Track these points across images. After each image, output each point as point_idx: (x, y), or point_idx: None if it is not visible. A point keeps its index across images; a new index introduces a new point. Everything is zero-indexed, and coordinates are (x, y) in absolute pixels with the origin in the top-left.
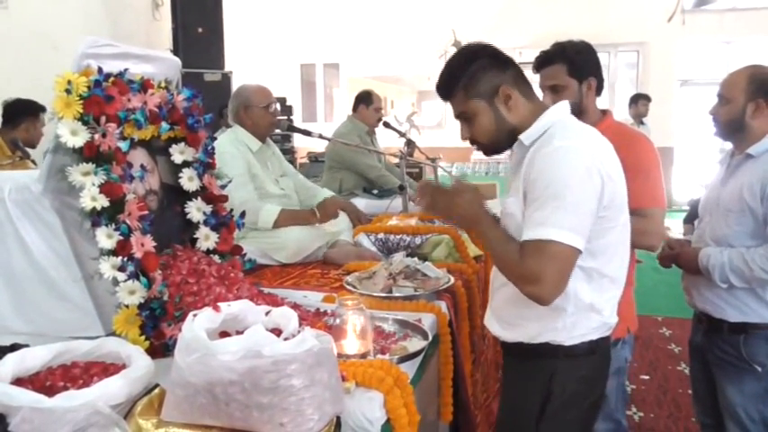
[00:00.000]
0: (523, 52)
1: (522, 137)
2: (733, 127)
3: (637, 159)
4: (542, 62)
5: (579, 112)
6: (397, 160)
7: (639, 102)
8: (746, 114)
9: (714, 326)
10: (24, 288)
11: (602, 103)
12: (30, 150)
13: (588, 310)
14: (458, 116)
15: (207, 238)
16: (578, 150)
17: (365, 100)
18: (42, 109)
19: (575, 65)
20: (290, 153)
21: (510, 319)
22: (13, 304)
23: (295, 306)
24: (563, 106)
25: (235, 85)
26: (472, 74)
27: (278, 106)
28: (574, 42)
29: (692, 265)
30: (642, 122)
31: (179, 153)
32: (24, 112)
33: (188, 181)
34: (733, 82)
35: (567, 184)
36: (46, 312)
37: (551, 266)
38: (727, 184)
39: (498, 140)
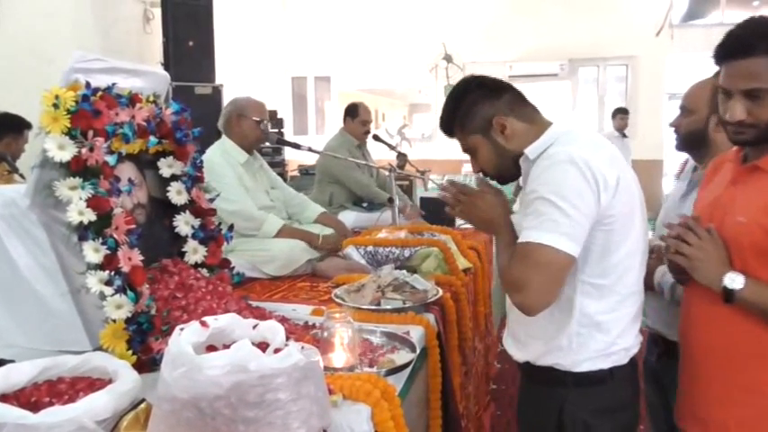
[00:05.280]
0: (514, 66)
1: (527, 151)
2: (695, 139)
3: None
4: (730, 50)
5: None
6: (386, 173)
7: (618, 116)
8: (709, 127)
9: (670, 349)
10: (11, 303)
11: (591, 117)
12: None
13: (594, 328)
14: (464, 151)
15: (195, 252)
16: (572, 155)
17: (350, 113)
18: (28, 125)
19: None
20: (280, 166)
21: (520, 336)
22: (2, 318)
23: (283, 319)
24: (569, 121)
25: (226, 98)
26: (465, 111)
27: (269, 124)
28: None
29: (647, 280)
30: (625, 135)
31: (167, 167)
32: (8, 126)
33: (176, 194)
34: (696, 93)
35: (559, 188)
36: (33, 326)
37: (538, 273)
38: (686, 199)
39: (504, 169)
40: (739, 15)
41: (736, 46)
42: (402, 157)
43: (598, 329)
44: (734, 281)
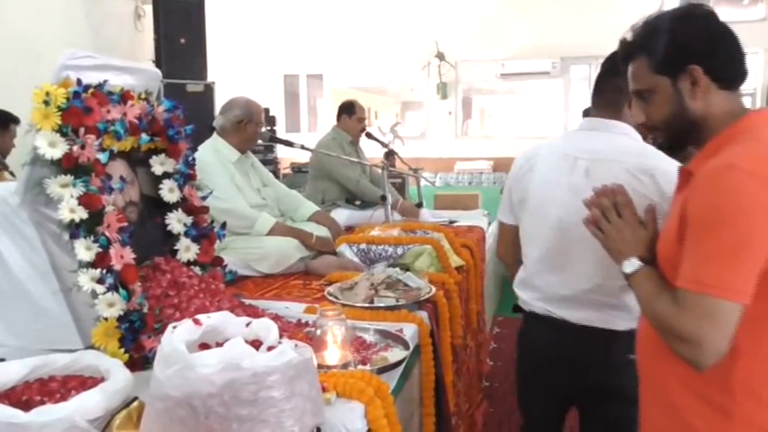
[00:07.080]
0: (506, 64)
1: None
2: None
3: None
4: (621, 55)
5: (687, 127)
6: (379, 171)
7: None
8: None
9: None
10: (2, 302)
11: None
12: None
13: (521, 283)
14: None
15: (187, 250)
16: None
17: (347, 110)
18: (14, 120)
19: (658, 53)
20: (273, 164)
21: None
22: None
23: (276, 317)
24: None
25: (218, 96)
26: None
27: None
28: (661, 15)
29: None
30: None
31: (159, 164)
32: None
33: (168, 192)
34: None
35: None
36: (24, 326)
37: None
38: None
39: None
40: (729, 13)
41: (622, 50)
42: (392, 154)
43: (521, 285)
44: (629, 265)
